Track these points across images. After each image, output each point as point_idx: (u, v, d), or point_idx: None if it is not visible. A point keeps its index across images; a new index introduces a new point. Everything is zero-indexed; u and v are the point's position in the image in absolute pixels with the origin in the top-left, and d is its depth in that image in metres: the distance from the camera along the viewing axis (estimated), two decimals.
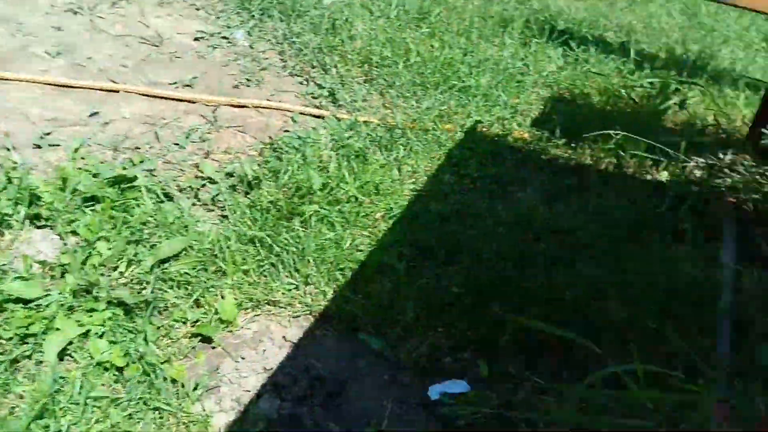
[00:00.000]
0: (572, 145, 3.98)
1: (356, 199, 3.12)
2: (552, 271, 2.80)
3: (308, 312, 2.55)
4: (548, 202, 3.41)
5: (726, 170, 3.57)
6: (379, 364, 2.39)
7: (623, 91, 4.56)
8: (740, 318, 2.71)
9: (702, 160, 3.65)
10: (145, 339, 2.22)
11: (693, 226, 3.30)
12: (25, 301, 2.27)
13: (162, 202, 2.91)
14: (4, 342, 2.15)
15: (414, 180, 3.43)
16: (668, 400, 1.95)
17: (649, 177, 3.73)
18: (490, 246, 2.91)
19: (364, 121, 3.88)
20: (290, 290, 2.60)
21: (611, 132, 3.89)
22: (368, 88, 4.32)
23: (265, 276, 2.62)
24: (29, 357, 2.14)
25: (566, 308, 2.56)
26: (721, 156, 3.63)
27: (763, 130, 3.63)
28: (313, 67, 4.50)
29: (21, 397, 2.02)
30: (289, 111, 3.96)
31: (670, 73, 4.96)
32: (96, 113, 3.54)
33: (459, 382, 2.34)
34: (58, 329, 2.19)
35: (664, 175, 3.71)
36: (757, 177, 3.50)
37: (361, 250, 2.83)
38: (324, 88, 4.26)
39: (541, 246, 2.96)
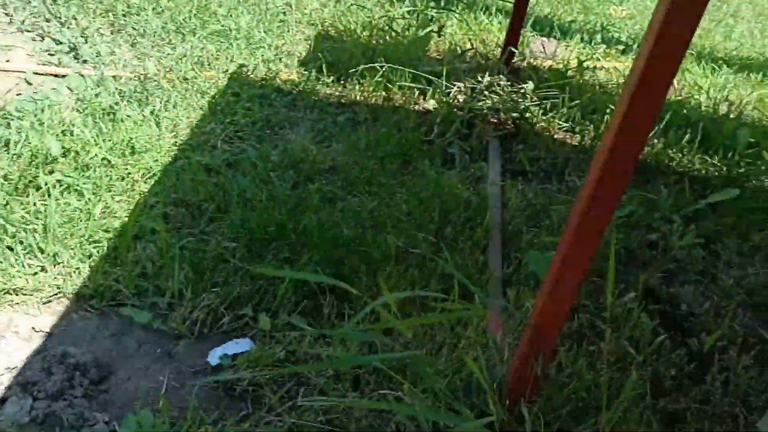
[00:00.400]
0: (341, 81, 3.91)
1: (108, 161, 2.80)
2: (327, 212, 2.72)
3: (60, 295, 2.24)
4: (321, 142, 3.31)
5: (486, 92, 3.70)
6: (149, 339, 2.17)
7: (385, 24, 4.56)
8: (508, 230, 2.83)
9: (463, 85, 3.75)
10: None
11: (460, 149, 3.39)
12: None
13: None
14: None
15: (175, 134, 3.16)
16: (445, 320, 1.96)
17: (417, 107, 3.77)
18: (263, 194, 2.76)
19: (113, 76, 3.50)
20: (35, 274, 2.26)
21: (377, 65, 3.87)
22: (115, 39, 3.91)
23: (1, 262, 2.25)
24: None
25: (343, 247, 2.49)
26: (479, 79, 3.75)
27: (512, 49, 3.80)
28: (48, 21, 3.97)
29: None
30: (20, 72, 3.45)
31: (428, 4, 5.04)
32: None
33: (241, 341, 2.20)
34: None
35: (431, 104, 3.77)
36: (513, 96, 3.67)
37: (117, 217, 2.54)
38: (63, 43, 3.78)
39: (315, 187, 2.86)
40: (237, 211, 2.63)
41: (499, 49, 4.24)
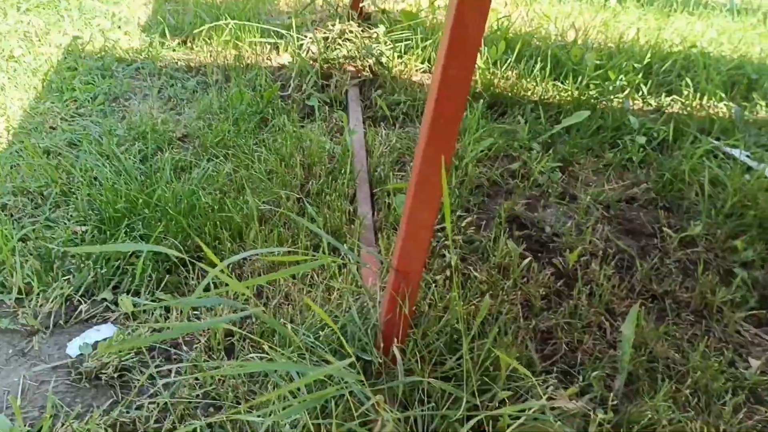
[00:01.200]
0: (187, 44, 3.71)
1: None
2: (182, 181, 2.58)
3: None
4: (171, 109, 3.14)
5: (339, 41, 3.63)
6: (0, 340, 1.99)
7: None
8: (375, 177, 2.80)
9: (314, 36, 3.65)
10: None
11: (320, 101, 3.31)
12: None
13: None
14: None
15: (6, 118, 2.89)
16: (289, 275, 1.92)
17: (270, 62, 3.64)
18: (110, 170, 2.58)
19: None
20: None
21: (223, 24, 3.69)
22: None
23: None
24: None
25: (202, 215, 2.38)
26: (331, 28, 3.67)
27: None
28: None
29: None
30: None
31: None
32: None
33: (103, 327, 2.06)
34: None
35: (284, 58, 3.65)
36: (367, 42, 3.62)
37: None
38: None
39: (166, 157, 2.71)
40: (83, 192, 2.45)
41: None
